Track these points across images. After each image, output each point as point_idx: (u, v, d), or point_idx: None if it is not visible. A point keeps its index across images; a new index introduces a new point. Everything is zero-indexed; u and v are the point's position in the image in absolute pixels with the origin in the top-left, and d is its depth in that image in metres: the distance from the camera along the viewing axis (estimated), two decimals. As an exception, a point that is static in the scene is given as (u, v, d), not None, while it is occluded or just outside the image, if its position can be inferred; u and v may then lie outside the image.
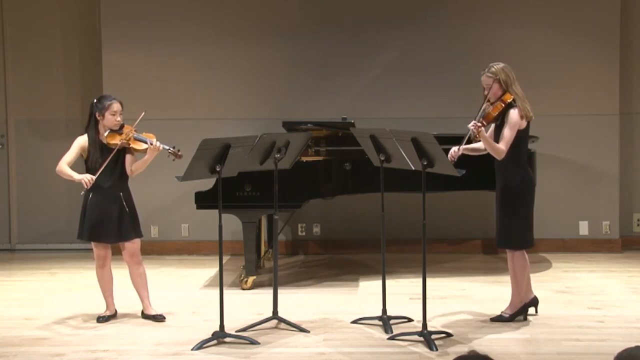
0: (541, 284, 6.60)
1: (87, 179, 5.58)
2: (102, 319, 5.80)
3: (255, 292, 6.61)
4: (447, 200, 7.91)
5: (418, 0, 8.16)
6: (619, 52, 8.06)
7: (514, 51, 7.79)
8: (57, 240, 8.68)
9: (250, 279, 6.71)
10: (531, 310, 5.78)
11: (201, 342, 5.22)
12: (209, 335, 5.30)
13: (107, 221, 5.69)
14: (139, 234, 5.85)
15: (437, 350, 5.06)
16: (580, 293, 6.52)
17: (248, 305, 6.21)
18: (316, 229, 8.31)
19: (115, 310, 5.90)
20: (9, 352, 5.16)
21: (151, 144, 5.65)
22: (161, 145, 5.66)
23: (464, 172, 5.29)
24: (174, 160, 5.74)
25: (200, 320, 5.81)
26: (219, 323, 5.30)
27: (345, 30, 8.15)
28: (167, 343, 5.30)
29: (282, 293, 6.00)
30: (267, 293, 6.21)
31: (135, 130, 5.71)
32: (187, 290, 6.77)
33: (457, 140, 6.66)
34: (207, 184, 6.41)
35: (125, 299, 6.13)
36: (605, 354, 4.94)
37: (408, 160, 5.33)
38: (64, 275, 7.47)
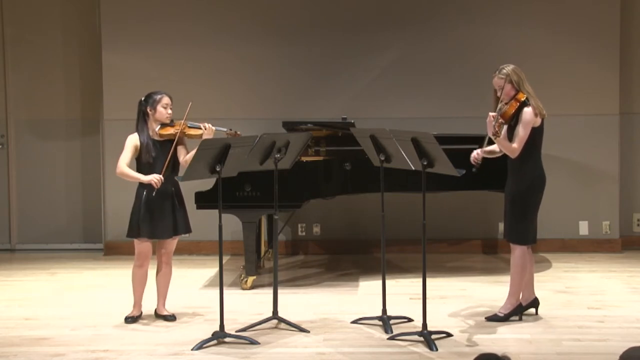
0: (541, 284, 6.59)
1: (156, 179, 5.56)
2: (129, 320, 5.77)
3: (255, 292, 6.61)
4: (447, 200, 7.91)
5: (418, 0, 8.17)
6: (619, 52, 8.07)
7: (514, 51, 7.78)
8: (57, 240, 8.68)
9: (250, 279, 6.71)
10: (531, 310, 5.79)
11: (201, 342, 5.22)
12: (209, 335, 5.29)
13: (161, 217, 5.68)
14: (188, 229, 5.87)
15: (437, 350, 5.06)
16: (580, 293, 6.52)
17: (248, 305, 6.21)
18: (316, 229, 8.30)
19: (141, 312, 5.88)
20: (9, 352, 5.16)
21: (204, 128, 5.66)
22: (215, 128, 5.69)
23: (464, 172, 5.28)
24: None
25: (200, 320, 5.81)
26: (219, 323, 5.29)
27: (345, 30, 8.16)
28: (167, 343, 5.30)
29: (282, 293, 6.00)
30: (267, 293, 6.21)
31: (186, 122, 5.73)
32: (187, 290, 6.76)
33: (457, 140, 6.64)
34: (207, 184, 6.41)
35: (125, 300, 6.13)
36: (605, 354, 4.95)
37: (408, 160, 5.33)
38: (64, 275, 7.47)
